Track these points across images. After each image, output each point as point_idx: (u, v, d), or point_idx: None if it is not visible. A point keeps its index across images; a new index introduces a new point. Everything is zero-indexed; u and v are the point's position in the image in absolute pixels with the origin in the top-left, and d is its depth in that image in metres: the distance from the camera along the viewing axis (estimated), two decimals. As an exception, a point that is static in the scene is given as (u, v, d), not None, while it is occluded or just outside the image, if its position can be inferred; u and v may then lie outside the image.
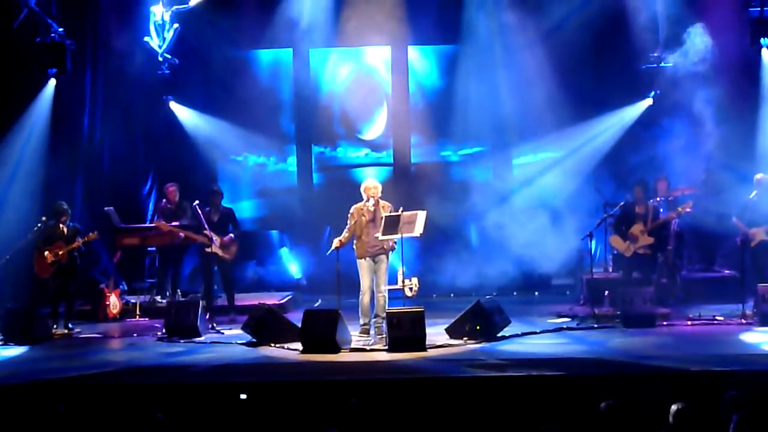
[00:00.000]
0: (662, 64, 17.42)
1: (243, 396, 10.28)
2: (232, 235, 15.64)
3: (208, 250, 15.43)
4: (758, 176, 15.18)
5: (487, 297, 14.58)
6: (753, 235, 14.87)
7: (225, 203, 16.29)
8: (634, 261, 15.39)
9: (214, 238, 15.33)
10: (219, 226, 15.60)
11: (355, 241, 13.48)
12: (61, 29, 16.41)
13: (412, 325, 12.51)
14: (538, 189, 18.84)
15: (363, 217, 13.39)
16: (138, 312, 16.40)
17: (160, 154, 18.86)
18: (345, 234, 13.47)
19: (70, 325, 15.09)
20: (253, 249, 18.99)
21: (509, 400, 10.15)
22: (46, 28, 16.37)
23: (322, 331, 12.61)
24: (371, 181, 13.73)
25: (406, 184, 18.63)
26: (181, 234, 16.01)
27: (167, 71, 17.64)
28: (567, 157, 18.88)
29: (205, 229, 15.31)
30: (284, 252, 19.63)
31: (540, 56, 18.19)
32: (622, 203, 15.74)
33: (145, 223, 17.90)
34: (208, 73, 19.15)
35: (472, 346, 12.77)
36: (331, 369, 11.62)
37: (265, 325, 13.42)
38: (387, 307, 13.26)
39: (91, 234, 15.37)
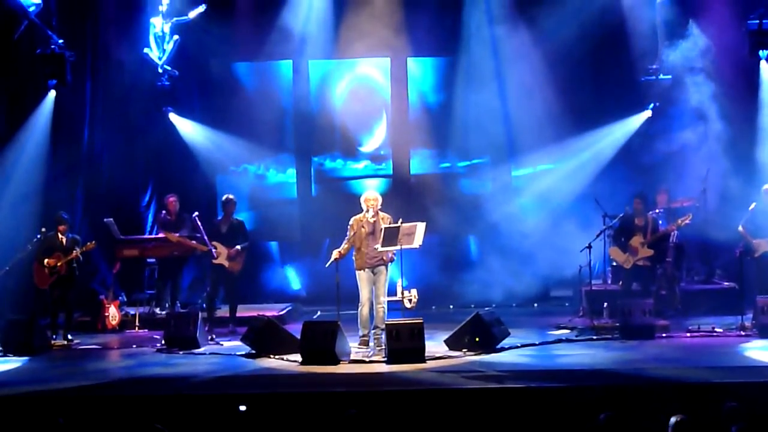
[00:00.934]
0: (661, 76, 17.46)
1: (242, 407, 10.28)
2: (239, 247, 15.61)
3: (216, 261, 15.44)
4: (766, 187, 15.18)
5: (486, 309, 14.58)
6: (757, 246, 14.88)
7: (222, 214, 16.31)
8: (634, 273, 15.41)
9: (214, 252, 15.35)
10: (227, 237, 15.60)
11: (354, 253, 13.47)
12: (61, 41, 16.41)
13: (411, 337, 12.50)
14: (537, 201, 18.87)
15: (362, 229, 13.39)
16: (137, 323, 16.39)
17: (160, 165, 18.86)
18: (344, 245, 13.46)
19: (69, 336, 15.09)
20: (252, 260, 19.00)
21: (508, 411, 10.14)
22: (47, 39, 16.38)
23: (321, 342, 12.59)
24: (371, 193, 13.71)
25: (406, 195, 18.65)
26: (191, 243, 16.01)
27: (167, 83, 17.66)
28: (566, 169, 18.91)
29: (204, 241, 15.35)
30: (288, 271, 19.70)
31: (539, 68, 18.25)
32: (621, 215, 15.78)
33: (144, 235, 17.92)
34: (208, 85, 19.20)
35: (471, 357, 12.76)
36: (331, 380, 11.60)
37: (265, 337, 13.42)
38: (386, 319, 13.25)
39: (89, 244, 15.37)
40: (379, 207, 13.48)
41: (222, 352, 13.84)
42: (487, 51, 18.80)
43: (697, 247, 17.05)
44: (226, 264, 15.49)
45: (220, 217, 15.91)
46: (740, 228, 15.15)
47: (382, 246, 13.10)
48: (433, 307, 17.63)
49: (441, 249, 18.47)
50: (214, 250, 15.38)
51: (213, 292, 15.89)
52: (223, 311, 16.08)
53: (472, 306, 16.62)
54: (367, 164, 19.70)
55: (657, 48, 17.47)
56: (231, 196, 16.01)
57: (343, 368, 12.32)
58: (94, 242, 15.54)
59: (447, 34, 18.93)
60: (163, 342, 14.26)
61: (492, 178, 19.38)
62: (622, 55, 17.93)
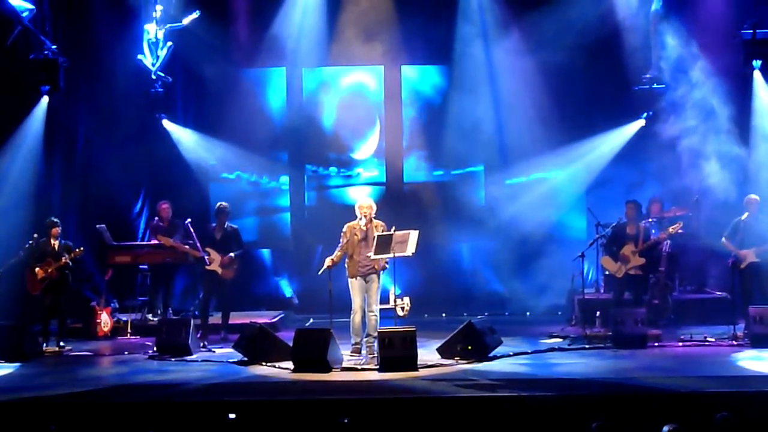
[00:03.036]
0: (655, 85, 17.48)
1: (231, 416, 10.23)
2: (232, 254, 15.58)
3: (209, 267, 15.42)
4: (749, 197, 15.18)
5: (479, 317, 14.58)
6: (743, 257, 14.85)
7: (216, 221, 16.32)
8: (626, 282, 15.39)
9: (206, 258, 15.33)
10: (221, 245, 15.57)
11: (346, 260, 13.45)
12: (54, 46, 16.41)
13: (404, 345, 12.48)
14: (530, 209, 18.87)
15: (355, 236, 13.37)
16: (129, 330, 16.36)
17: (153, 172, 18.81)
18: (337, 253, 13.43)
19: (61, 343, 15.06)
20: (245, 268, 18.97)
21: (500, 420, 10.13)
22: (40, 45, 16.36)
23: (313, 350, 12.57)
24: (365, 200, 13.70)
25: (399, 203, 18.62)
26: (185, 248, 16.01)
27: (160, 89, 17.61)
28: (559, 178, 18.94)
29: (196, 248, 15.34)
30: (280, 278, 19.68)
31: (533, 77, 18.28)
32: (613, 224, 15.74)
33: (136, 241, 17.88)
34: (201, 92, 19.19)
35: (464, 366, 12.74)
36: (323, 388, 11.59)
37: (257, 344, 13.39)
38: (378, 327, 13.22)
39: (77, 250, 15.32)
40: (374, 215, 13.46)
41: (214, 359, 13.82)
42: (480, 59, 18.83)
43: (690, 256, 17.05)
44: (219, 271, 15.47)
45: (214, 224, 15.87)
46: (723, 240, 15.10)
47: (375, 254, 13.08)
48: (426, 315, 17.64)
49: (434, 257, 18.45)
50: (207, 257, 15.36)
51: (206, 299, 15.86)
52: (215, 318, 16.05)
53: (465, 314, 16.63)
54: (361, 172, 19.69)
55: (651, 57, 17.49)
56: (224, 204, 15.97)
57: (335, 376, 12.31)
58: (82, 248, 15.50)
59: (440, 43, 18.94)
60: (155, 349, 14.23)
61: (485, 187, 19.39)
62: (615, 64, 17.92)
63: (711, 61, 16.82)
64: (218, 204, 16.07)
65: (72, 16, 17.91)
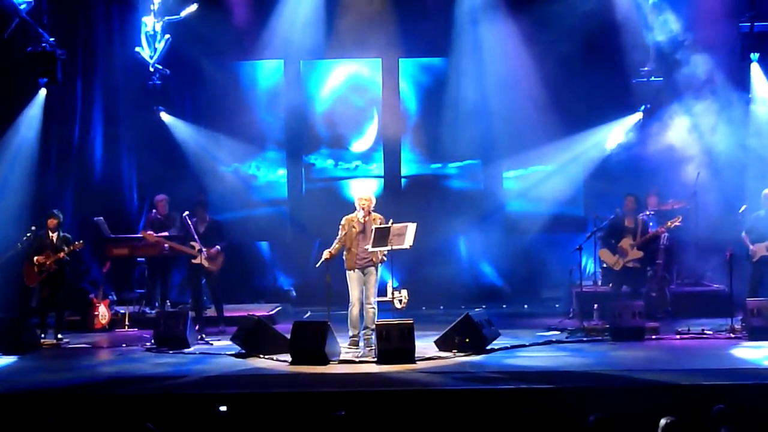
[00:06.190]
0: (653, 78, 17.47)
1: (223, 408, 10.22)
2: (218, 246, 15.62)
3: (195, 261, 15.44)
4: (765, 192, 15.09)
5: (477, 309, 14.57)
6: (754, 252, 14.80)
7: (215, 214, 16.34)
8: (624, 275, 15.40)
9: (203, 250, 15.33)
10: (205, 238, 15.59)
11: (344, 253, 13.44)
12: (52, 39, 16.37)
13: (402, 337, 12.50)
14: (528, 202, 18.89)
15: (353, 229, 13.36)
16: (127, 322, 16.39)
17: (150, 164, 18.75)
18: (335, 245, 13.42)
19: (59, 335, 15.05)
20: (243, 260, 18.94)
21: (498, 412, 10.13)
22: (37, 37, 16.33)
23: (311, 342, 12.57)
24: (364, 193, 13.66)
25: (397, 196, 18.65)
26: (167, 243, 16.03)
27: (158, 82, 17.57)
28: (557, 170, 18.93)
29: (194, 240, 15.34)
30: (278, 271, 19.69)
31: (531, 69, 18.25)
32: (611, 217, 15.75)
33: (134, 234, 17.88)
34: (199, 84, 19.14)
35: (462, 358, 12.76)
36: (320, 381, 11.60)
37: (255, 337, 13.40)
38: (376, 319, 13.23)
39: (76, 243, 15.30)
40: (372, 207, 13.45)
41: (211, 351, 13.83)
42: (478, 52, 18.79)
43: (688, 249, 17.05)
44: (206, 264, 15.48)
45: (194, 219, 15.77)
46: (743, 234, 15.01)
47: (373, 246, 13.08)
48: (424, 308, 17.60)
49: (432, 250, 18.41)
50: (204, 251, 15.36)
51: (197, 292, 15.91)
52: (212, 311, 16.07)
53: (463, 307, 16.63)
54: (358, 164, 19.68)
55: (649, 50, 17.48)
56: (202, 199, 16.18)
57: (333, 368, 12.31)
58: (81, 242, 15.48)
59: (438, 35, 18.89)
60: (152, 341, 14.24)
61: (483, 179, 19.39)
62: (614, 57, 17.89)
63: (709, 53, 16.81)
64: (197, 199, 16.24)
65: (70, 8, 17.91)
